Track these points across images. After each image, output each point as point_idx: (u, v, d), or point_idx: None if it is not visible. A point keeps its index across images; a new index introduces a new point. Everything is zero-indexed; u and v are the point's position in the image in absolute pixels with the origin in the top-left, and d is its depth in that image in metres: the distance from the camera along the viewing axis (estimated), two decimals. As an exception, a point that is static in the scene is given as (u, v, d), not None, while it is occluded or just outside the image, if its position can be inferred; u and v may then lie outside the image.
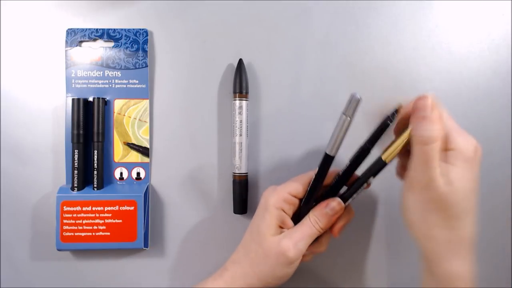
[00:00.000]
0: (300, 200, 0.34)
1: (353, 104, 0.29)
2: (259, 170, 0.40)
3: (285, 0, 0.40)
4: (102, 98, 0.38)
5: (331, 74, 0.40)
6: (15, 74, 0.39)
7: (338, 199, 0.33)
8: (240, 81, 0.38)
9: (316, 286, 0.40)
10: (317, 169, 0.33)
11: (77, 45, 0.39)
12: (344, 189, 0.34)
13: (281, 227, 0.33)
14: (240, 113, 0.38)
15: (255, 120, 0.40)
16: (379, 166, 0.31)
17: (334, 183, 0.33)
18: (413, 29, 0.40)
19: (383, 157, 0.31)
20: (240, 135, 0.38)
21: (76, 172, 0.37)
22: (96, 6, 0.40)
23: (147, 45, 0.39)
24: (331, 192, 0.34)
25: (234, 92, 0.38)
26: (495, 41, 0.41)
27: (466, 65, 0.40)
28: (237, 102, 0.38)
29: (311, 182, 0.33)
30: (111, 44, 0.39)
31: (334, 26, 0.40)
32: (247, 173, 0.39)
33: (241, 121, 0.38)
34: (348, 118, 0.29)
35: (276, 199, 0.33)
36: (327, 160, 0.32)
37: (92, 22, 0.39)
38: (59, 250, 0.37)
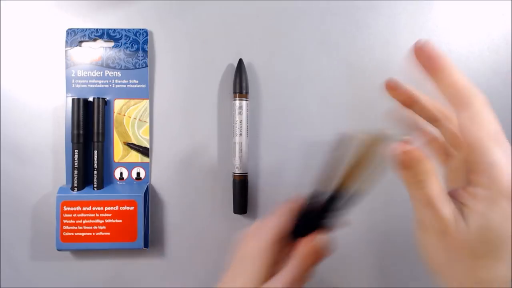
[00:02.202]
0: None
1: (342, 143, 0.26)
2: (259, 170, 0.40)
3: (285, 0, 0.40)
4: (102, 98, 0.38)
5: (331, 74, 0.40)
6: (15, 74, 0.39)
7: (320, 237, 0.28)
8: (240, 81, 0.38)
9: (315, 286, 0.40)
10: (302, 201, 0.29)
11: (77, 45, 0.39)
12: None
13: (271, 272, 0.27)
14: (240, 113, 0.38)
15: (255, 120, 0.40)
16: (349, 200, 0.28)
17: (318, 212, 0.29)
18: (413, 29, 0.40)
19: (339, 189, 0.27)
20: (240, 135, 0.38)
21: (76, 172, 0.37)
22: (96, 6, 0.40)
23: (147, 45, 0.39)
24: (313, 220, 0.29)
25: (234, 92, 0.38)
26: (495, 41, 0.41)
27: (466, 65, 0.40)
28: (237, 102, 0.38)
29: (299, 216, 0.29)
30: (111, 44, 0.39)
31: (334, 26, 0.40)
32: (247, 173, 0.39)
33: (241, 121, 0.38)
34: (338, 157, 0.26)
35: (259, 247, 0.27)
36: (317, 195, 0.28)
37: (92, 22, 0.39)
38: (59, 250, 0.37)
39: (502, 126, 0.41)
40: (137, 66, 0.39)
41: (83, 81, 0.39)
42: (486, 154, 0.20)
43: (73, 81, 0.39)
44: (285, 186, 0.40)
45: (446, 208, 0.21)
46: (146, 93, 0.39)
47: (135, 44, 0.39)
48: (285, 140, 0.40)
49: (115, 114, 0.39)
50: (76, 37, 0.39)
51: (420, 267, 0.40)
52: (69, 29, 0.39)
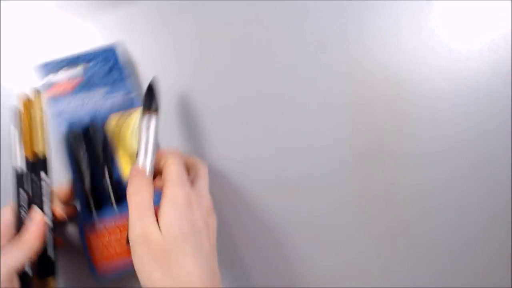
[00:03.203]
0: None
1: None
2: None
3: (285, 0, 0.40)
4: (95, 123, 0.37)
5: (331, 74, 0.40)
6: (15, 73, 0.39)
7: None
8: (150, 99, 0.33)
9: (314, 286, 0.40)
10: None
11: (51, 81, 0.37)
12: None
13: None
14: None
15: (255, 120, 0.40)
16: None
17: None
18: (413, 29, 0.40)
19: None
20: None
21: (90, 198, 0.37)
22: (96, 6, 0.40)
23: (118, 60, 0.38)
24: None
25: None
26: (495, 41, 0.41)
27: (466, 65, 0.40)
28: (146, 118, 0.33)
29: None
30: (84, 67, 0.38)
31: (334, 26, 0.40)
32: (247, 173, 0.39)
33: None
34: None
35: None
36: None
37: (92, 22, 0.39)
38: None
39: (502, 126, 0.41)
40: (119, 80, 0.38)
41: (69, 113, 0.37)
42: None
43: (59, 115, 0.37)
44: (285, 185, 0.40)
45: (151, 218, 0.28)
46: (137, 101, 0.38)
47: (107, 62, 0.38)
48: (284, 140, 0.40)
49: (113, 132, 0.38)
50: (47, 72, 0.37)
51: (420, 267, 0.40)
52: (37, 66, 0.37)
